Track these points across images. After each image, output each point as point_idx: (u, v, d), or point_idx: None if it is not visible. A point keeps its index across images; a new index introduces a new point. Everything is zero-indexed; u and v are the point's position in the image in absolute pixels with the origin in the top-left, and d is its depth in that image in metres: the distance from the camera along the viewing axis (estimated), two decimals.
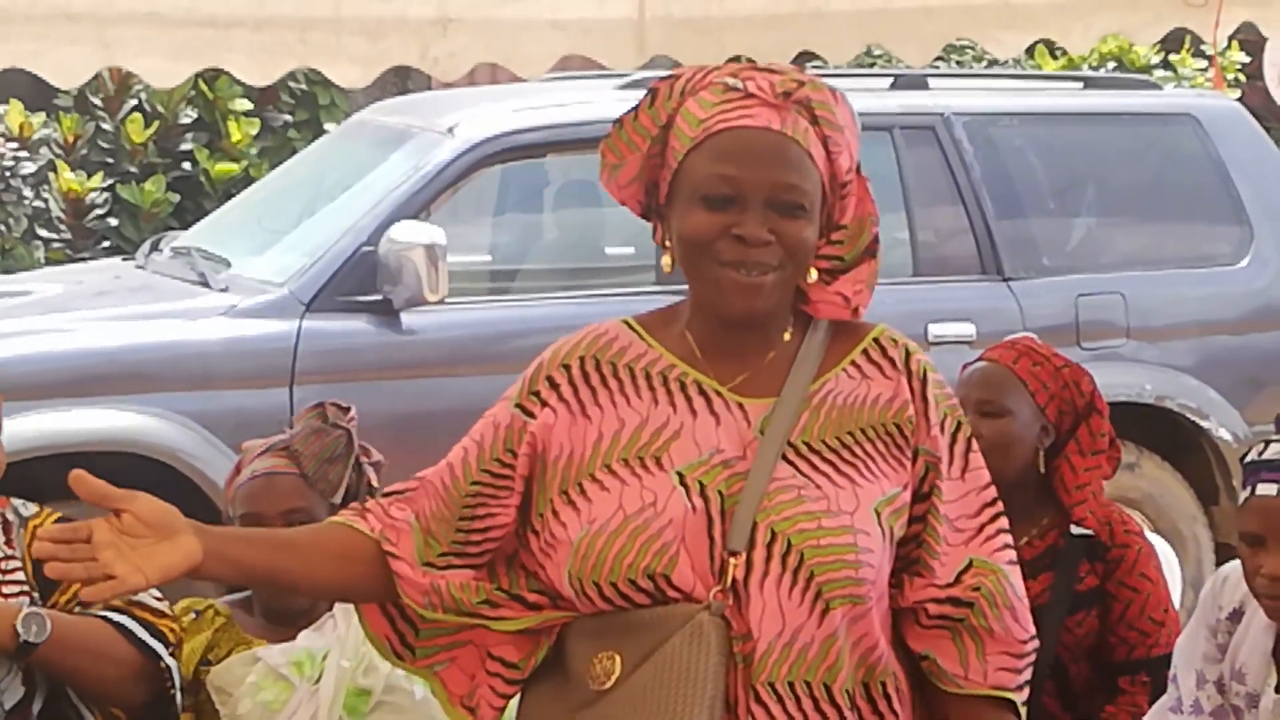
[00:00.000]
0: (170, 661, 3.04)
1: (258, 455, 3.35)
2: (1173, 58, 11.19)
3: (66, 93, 9.79)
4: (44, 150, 9.71)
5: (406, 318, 5.83)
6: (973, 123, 6.57)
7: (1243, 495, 3.18)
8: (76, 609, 3.02)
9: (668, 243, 2.39)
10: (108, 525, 2.25)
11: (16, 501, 3.14)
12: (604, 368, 2.40)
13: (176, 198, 9.62)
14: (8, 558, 3.05)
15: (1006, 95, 6.99)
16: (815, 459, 2.35)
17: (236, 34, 3.86)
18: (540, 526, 2.39)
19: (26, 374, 5.50)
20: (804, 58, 4.42)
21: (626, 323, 2.45)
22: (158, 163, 9.77)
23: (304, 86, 10.30)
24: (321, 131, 9.83)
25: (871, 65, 10.03)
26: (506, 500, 2.40)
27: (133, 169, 9.71)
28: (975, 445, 2.43)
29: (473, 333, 5.93)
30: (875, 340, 2.43)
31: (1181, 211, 6.86)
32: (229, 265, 6.17)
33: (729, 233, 2.30)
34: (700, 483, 2.33)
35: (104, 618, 3.03)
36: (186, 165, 9.83)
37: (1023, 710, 2.44)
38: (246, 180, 9.30)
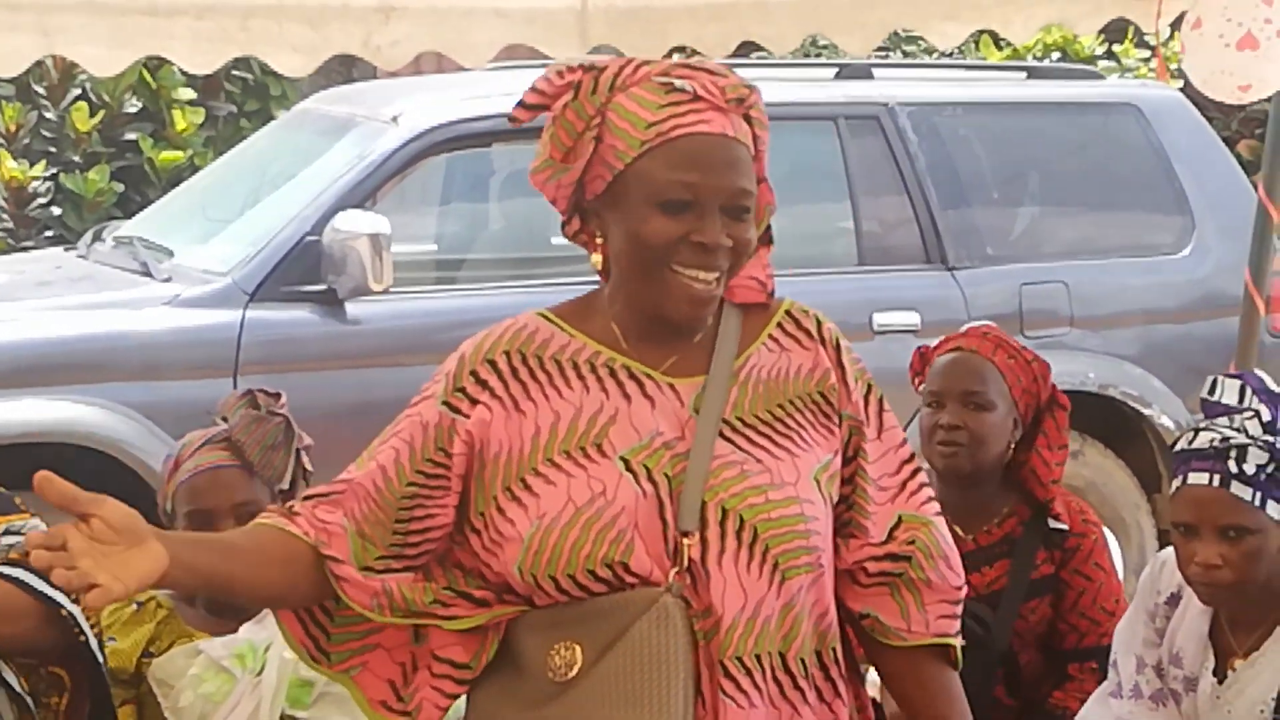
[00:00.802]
0: (72, 608, 2.97)
1: (197, 449, 3.32)
2: (1116, 48, 11.24)
3: (9, 81, 9.71)
4: None
5: (351, 307, 5.82)
6: (917, 113, 6.59)
7: (1175, 484, 3.20)
8: None
9: (599, 239, 2.40)
10: (78, 532, 2.19)
11: None
12: (530, 361, 2.40)
13: (121, 187, 9.57)
14: None
15: (950, 85, 7.01)
16: (751, 433, 2.38)
17: (178, 22, 3.85)
18: (482, 525, 2.38)
19: None
20: (746, 48, 4.43)
21: (542, 315, 2.46)
22: (102, 152, 9.71)
23: (255, 76, 10.26)
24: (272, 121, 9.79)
25: (817, 56, 10.04)
26: (443, 500, 2.40)
27: (76, 158, 9.65)
28: (887, 405, 2.49)
29: (418, 322, 5.91)
30: (787, 313, 2.48)
31: (1124, 201, 6.90)
32: (172, 255, 6.14)
33: (688, 239, 2.33)
34: (646, 466, 2.34)
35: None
36: (131, 155, 9.78)
37: (959, 654, 2.50)
38: (192, 169, 9.25)
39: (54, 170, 9.53)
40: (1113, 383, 6.57)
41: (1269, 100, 5.17)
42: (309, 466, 3.38)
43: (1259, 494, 3.12)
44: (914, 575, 2.44)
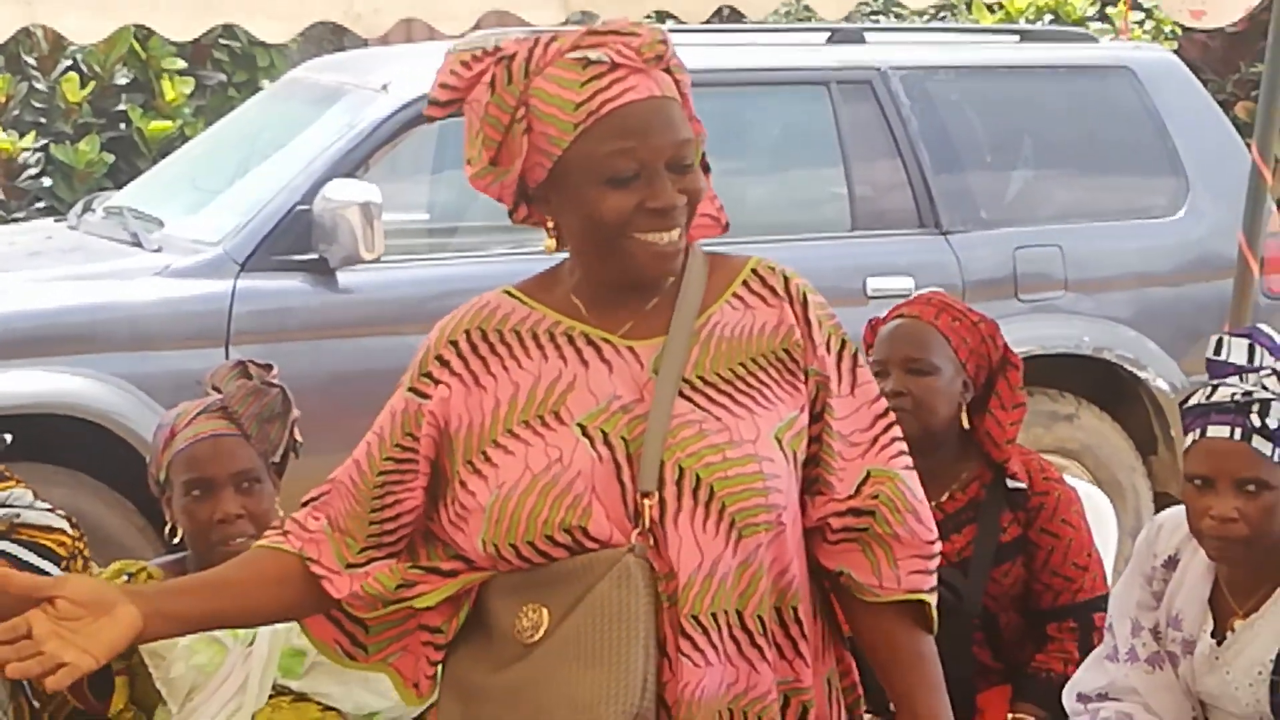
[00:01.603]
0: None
1: (193, 418, 3.31)
2: (1109, 10, 11.21)
3: None
4: None
5: (343, 276, 5.80)
6: (909, 77, 6.56)
7: (1189, 438, 3.19)
8: None
9: (550, 225, 2.39)
10: (44, 615, 2.26)
11: None
12: (490, 336, 2.40)
13: (111, 158, 9.53)
14: None
15: (943, 49, 6.99)
16: (711, 391, 2.37)
17: None
18: (450, 500, 2.39)
19: None
20: (726, 13, 4.40)
21: (508, 291, 2.45)
22: (92, 123, 9.67)
23: (243, 46, 10.22)
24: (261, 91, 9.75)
25: (807, 19, 10.01)
26: (412, 484, 2.41)
27: (67, 129, 9.62)
28: (861, 360, 2.47)
29: (410, 291, 5.89)
30: (753, 271, 2.45)
31: (1118, 164, 6.88)
32: (162, 225, 6.12)
33: (643, 207, 2.32)
34: (603, 431, 2.34)
35: None
36: (122, 125, 9.74)
37: (934, 613, 2.47)
38: (182, 139, 9.22)
39: (44, 141, 9.49)
40: (1107, 345, 6.57)
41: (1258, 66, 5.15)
42: (299, 439, 3.37)
43: (1279, 450, 3.12)
44: (880, 530, 2.42)
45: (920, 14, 9.74)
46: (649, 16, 4.23)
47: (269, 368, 3.36)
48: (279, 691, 3.22)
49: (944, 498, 3.65)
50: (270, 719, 3.21)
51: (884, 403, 2.47)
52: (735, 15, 4.59)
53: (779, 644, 2.38)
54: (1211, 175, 6.76)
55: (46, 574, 2.96)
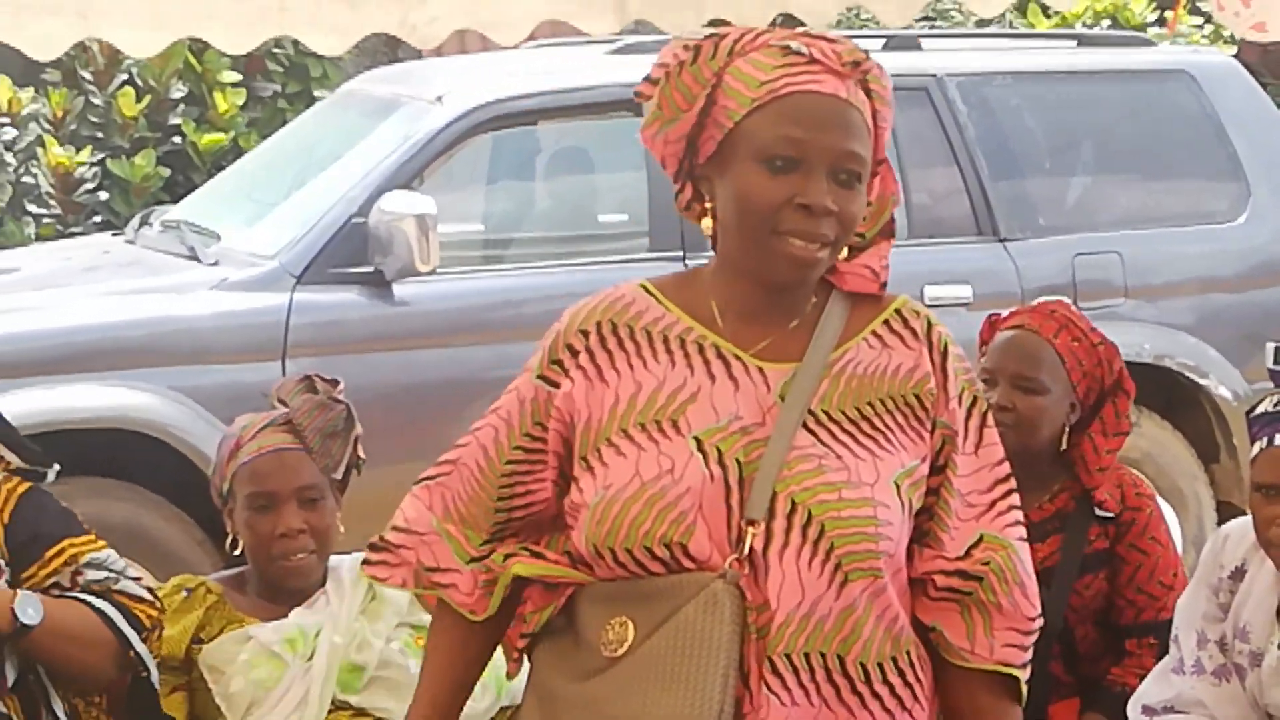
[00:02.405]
0: (140, 649, 3.03)
1: (259, 431, 3.30)
2: (1168, 14, 11.13)
3: (55, 68, 9.74)
4: (33, 125, 9.66)
5: (398, 289, 5.79)
6: (966, 83, 6.53)
7: (1257, 446, 3.16)
8: (54, 591, 3.00)
9: (708, 204, 2.36)
10: None
11: None
12: (620, 331, 2.37)
13: (167, 172, 9.58)
14: None
15: (1000, 55, 6.95)
16: (835, 428, 2.33)
17: (216, 2, 3.84)
18: (569, 494, 2.37)
19: (16, 351, 5.48)
20: (785, 21, 4.38)
21: (644, 287, 2.41)
22: (148, 137, 9.72)
23: (292, 56, 10.25)
24: (313, 102, 9.76)
25: (861, 28, 9.98)
26: (541, 475, 2.39)
27: (123, 143, 9.67)
28: (990, 420, 2.42)
29: (465, 303, 5.89)
30: (897, 311, 2.41)
31: (1178, 169, 6.83)
32: (219, 238, 6.13)
33: (792, 201, 2.28)
34: (718, 449, 2.30)
35: (85, 601, 3.01)
36: (177, 139, 9.79)
37: (1024, 687, 2.43)
38: (235, 151, 9.25)
39: (100, 156, 9.54)
40: (1168, 353, 6.51)
41: None
42: (362, 456, 3.36)
43: None
44: (984, 597, 2.37)
45: (987, 22, 9.68)
46: (711, 22, 4.22)
47: (335, 383, 3.36)
48: (338, 706, 3.22)
49: (1033, 507, 3.59)
50: None
51: (1006, 467, 2.43)
52: (791, 21, 4.57)
53: (898, 694, 2.34)
54: (1273, 179, 6.71)
55: (130, 642, 3.04)
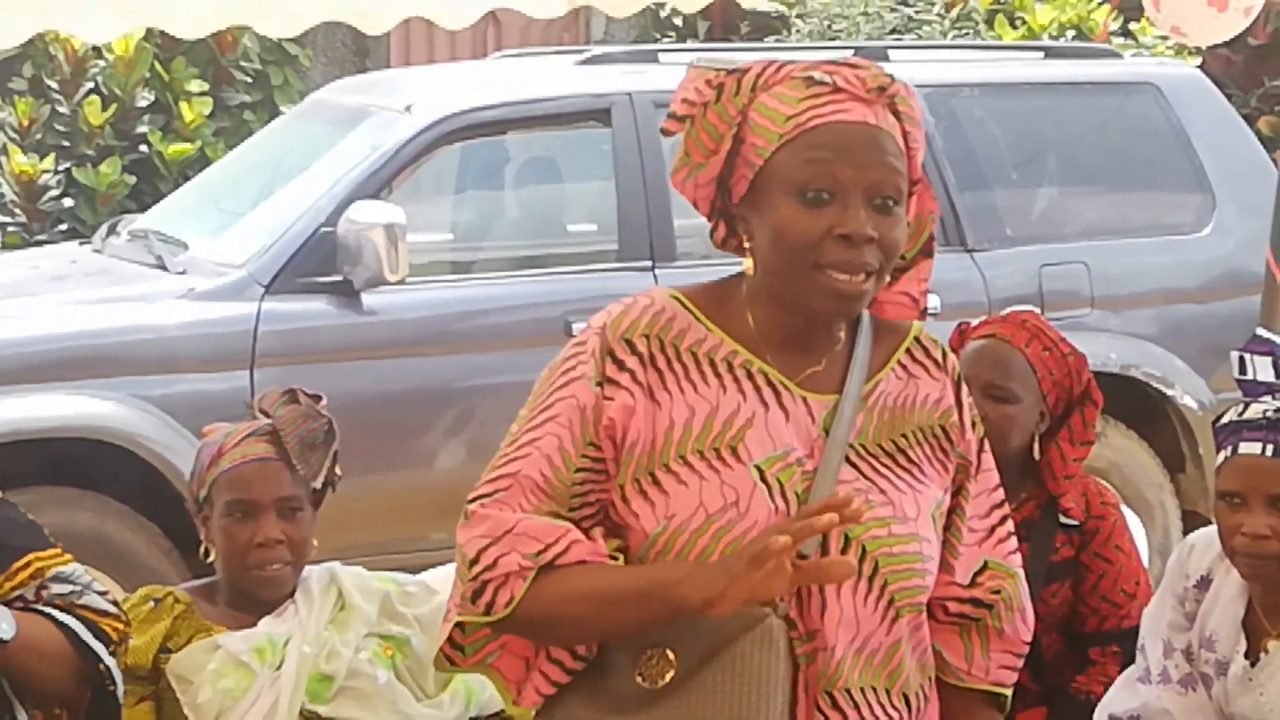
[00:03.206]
0: (110, 662, 3.02)
1: (242, 439, 3.29)
2: (1133, 25, 11.18)
3: (21, 76, 9.71)
4: None
5: (367, 298, 5.80)
6: (934, 94, 6.55)
7: (1221, 455, 3.17)
8: (18, 604, 2.98)
9: (747, 243, 2.32)
10: None
11: None
12: (668, 349, 2.31)
13: (133, 180, 9.55)
14: None
15: (967, 66, 6.98)
16: (874, 462, 2.33)
17: None
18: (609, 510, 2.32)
19: None
20: (730, 8, 4.38)
21: (678, 300, 2.35)
22: (114, 145, 9.70)
23: (258, 66, 10.23)
24: (276, 111, 9.75)
25: (832, 39, 10.00)
26: (605, 484, 2.31)
27: (89, 151, 9.64)
28: (987, 445, 2.44)
29: (434, 312, 5.89)
30: (916, 340, 2.41)
31: (1144, 180, 6.86)
32: (187, 248, 6.12)
33: (832, 233, 2.24)
34: (779, 480, 2.27)
35: (49, 616, 3.00)
36: (143, 148, 9.76)
37: (1009, 703, 2.48)
38: (202, 161, 9.24)
39: (66, 164, 9.52)
40: (1134, 363, 6.54)
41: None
42: (339, 472, 3.36)
43: None
44: (990, 624, 2.43)
45: (957, 33, 9.70)
46: (646, 9, 4.24)
47: (318, 398, 3.36)
48: (306, 716, 3.20)
49: None
50: None
51: (1001, 492, 2.45)
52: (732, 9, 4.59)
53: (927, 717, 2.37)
54: (1238, 190, 6.74)
55: (98, 655, 3.01)
